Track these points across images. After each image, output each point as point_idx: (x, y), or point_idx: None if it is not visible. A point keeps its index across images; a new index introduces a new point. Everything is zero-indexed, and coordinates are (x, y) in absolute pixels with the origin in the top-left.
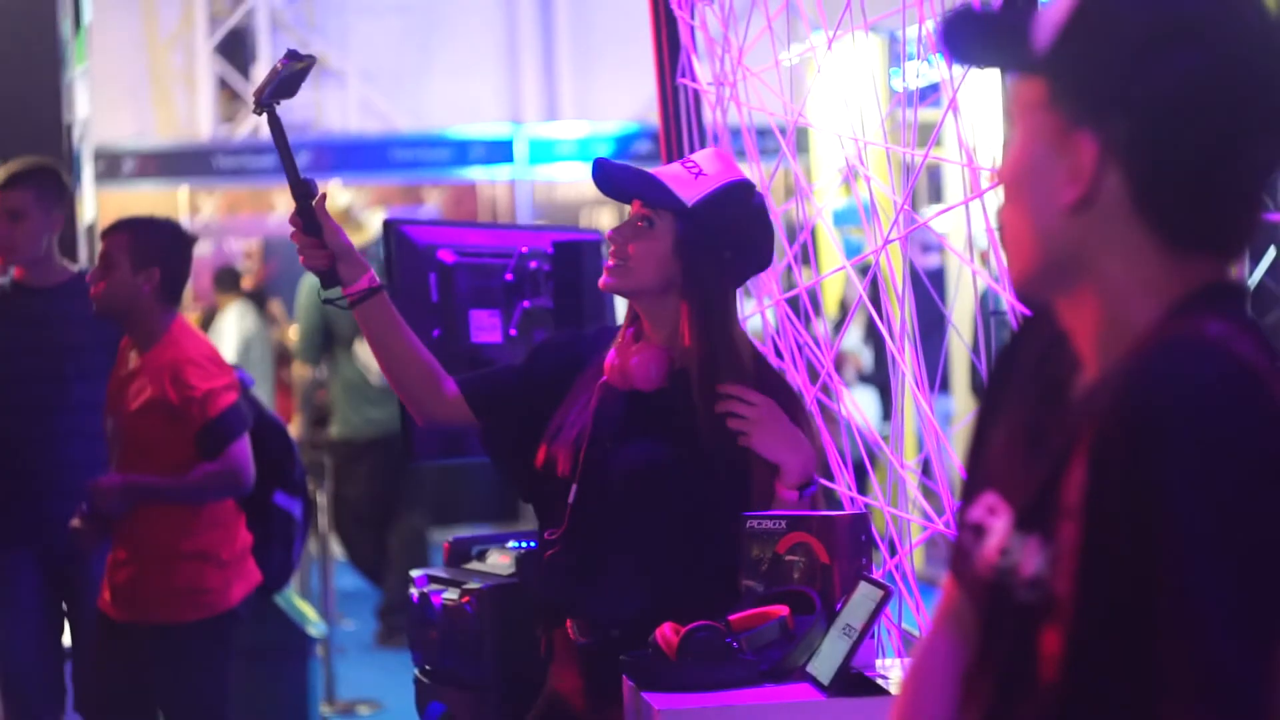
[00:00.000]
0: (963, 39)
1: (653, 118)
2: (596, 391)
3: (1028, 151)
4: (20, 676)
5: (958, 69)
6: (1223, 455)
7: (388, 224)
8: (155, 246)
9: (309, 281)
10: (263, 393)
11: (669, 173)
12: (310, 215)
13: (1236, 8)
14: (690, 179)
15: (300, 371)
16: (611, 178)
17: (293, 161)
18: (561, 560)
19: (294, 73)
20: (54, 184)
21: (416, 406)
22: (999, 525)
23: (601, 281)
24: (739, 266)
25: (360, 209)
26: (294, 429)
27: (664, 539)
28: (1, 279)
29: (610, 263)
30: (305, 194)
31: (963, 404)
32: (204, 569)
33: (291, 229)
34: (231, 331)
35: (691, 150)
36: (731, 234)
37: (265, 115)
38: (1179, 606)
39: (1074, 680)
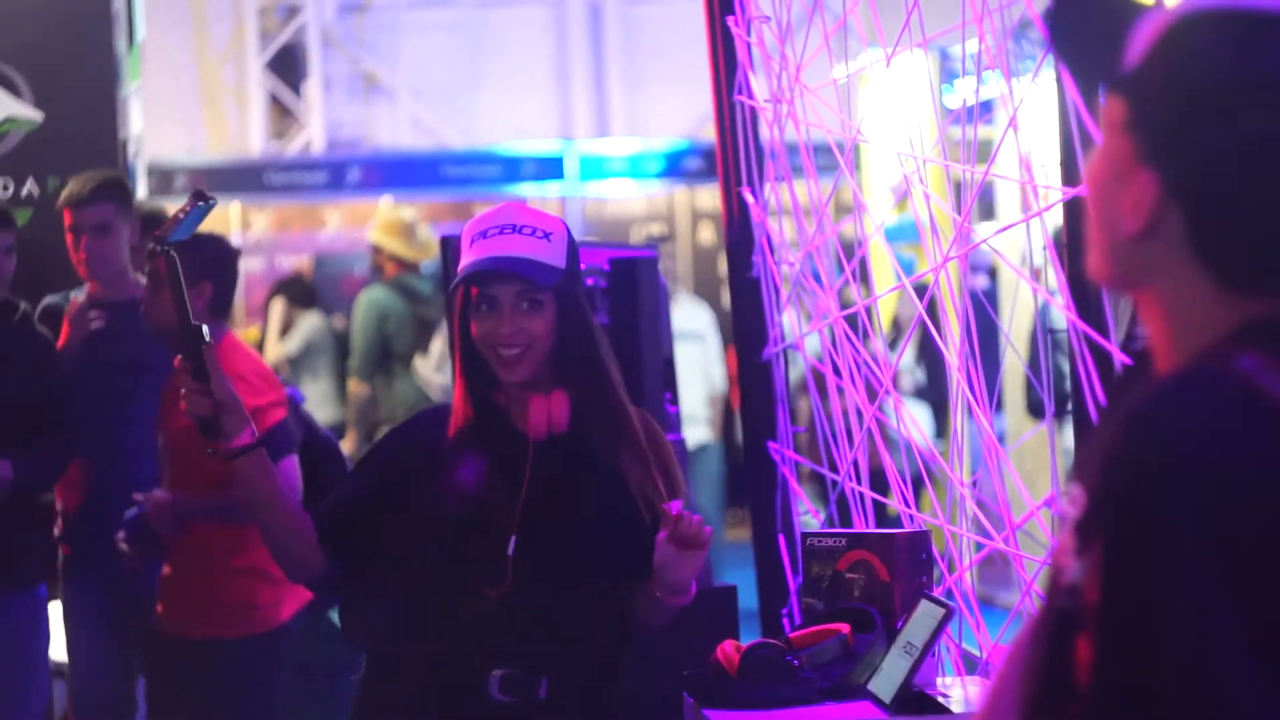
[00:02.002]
0: (1067, 28)
1: (703, 134)
2: (531, 448)
3: (1102, 169)
4: (90, 692)
5: (1016, 85)
6: (1220, 487)
7: (445, 241)
8: (206, 262)
9: (367, 297)
10: (330, 409)
11: (529, 245)
12: (199, 361)
13: None
14: (545, 243)
15: (355, 389)
16: (496, 272)
17: (185, 305)
18: (506, 610)
19: (199, 214)
20: (129, 196)
21: (292, 568)
22: (1072, 519)
23: (512, 376)
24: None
25: (419, 225)
26: (348, 444)
27: (604, 585)
28: (74, 292)
29: (511, 353)
30: (196, 338)
31: (1016, 422)
32: (255, 585)
33: (179, 372)
34: (304, 342)
35: (749, 168)
36: (582, 282)
37: (164, 259)
38: (1180, 643)
39: (1101, 691)
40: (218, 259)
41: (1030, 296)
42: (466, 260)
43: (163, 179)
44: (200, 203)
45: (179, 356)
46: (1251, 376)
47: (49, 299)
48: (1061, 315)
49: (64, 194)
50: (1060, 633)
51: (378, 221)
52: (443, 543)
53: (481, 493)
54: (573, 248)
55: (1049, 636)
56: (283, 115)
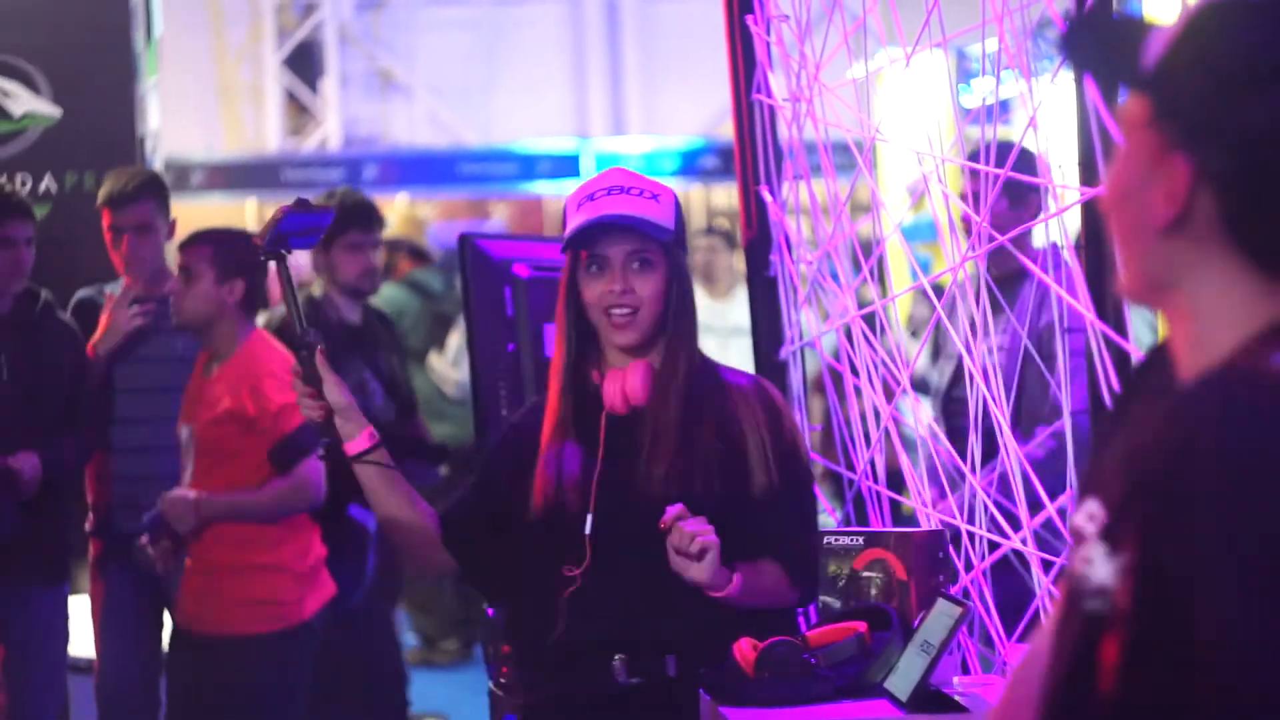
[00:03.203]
0: (1082, 43)
1: (719, 132)
2: (602, 423)
3: (1128, 168)
4: (117, 686)
5: (1036, 85)
6: (1257, 486)
7: (463, 238)
8: (240, 259)
9: (380, 297)
10: None
11: (639, 205)
12: (311, 367)
13: None
14: (654, 203)
15: None
16: (605, 228)
17: (299, 312)
18: (590, 596)
19: (297, 219)
20: (167, 193)
21: (419, 562)
22: (1092, 532)
23: (622, 340)
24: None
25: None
26: None
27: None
28: (108, 286)
29: (623, 313)
30: (307, 345)
31: None
32: (278, 581)
33: (292, 377)
34: None
35: (767, 166)
36: (686, 244)
37: (275, 263)
38: (1217, 643)
39: (1127, 694)
40: (250, 255)
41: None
42: (573, 224)
43: (180, 175)
44: (297, 211)
45: (293, 363)
46: None
47: (83, 292)
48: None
49: (102, 193)
50: (1087, 635)
51: (395, 217)
52: (534, 530)
53: (565, 474)
54: (679, 212)
55: (1074, 638)
56: (299, 112)
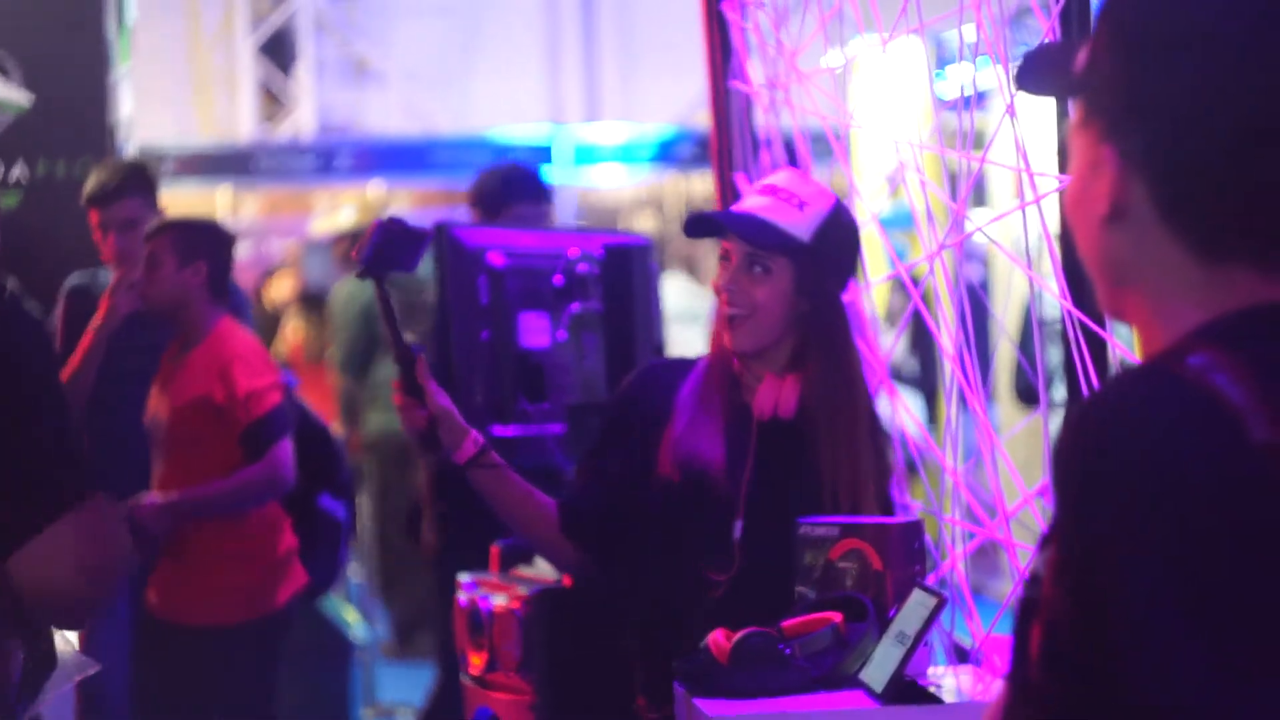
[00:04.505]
0: (1027, 71)
1: (695, 120)
2: (753, 431)
3: (1076, 173)
4: (102, 683)
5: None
6: (1158, 487)
7: (438, 227)
8: (200, 242)
9: (346, 290)
10: None
11: (772, 209)
12: (412, 378)
13: (1246, 11)
14: (795, 210)
15: (340, 383)
16: (716, 226)
17: (397, 325)
18: (732, 596)
19: (385, 235)
20: (153, 185)
21: (548, 557)
22: None
23: (733, 342)
24: (845, 289)
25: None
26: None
27: None
28: (100, 272)
29: (733, 314)
30: (408, 358)
31: (1008, 412)
32: (250, 570)
33: (395, 389)
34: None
35: (744, 154)
36: (842, 262)
37: (374, 282)
38: (1114, 629)
39: (1046, 682)
40: (213, 240)
41: (1024, 285)
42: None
43: (152, 163)
44: (392, 228)
45: (396, 376)
46: (1201, 374)
47: (75, 279)
48: (1060, 303)
49: (87, 190)
50: (1023, 622)
51: (361, 205)
52: (667, 513)
53: (707, 466)
54: (832, 225)
55: (1018, 629)
56: (273, 100)
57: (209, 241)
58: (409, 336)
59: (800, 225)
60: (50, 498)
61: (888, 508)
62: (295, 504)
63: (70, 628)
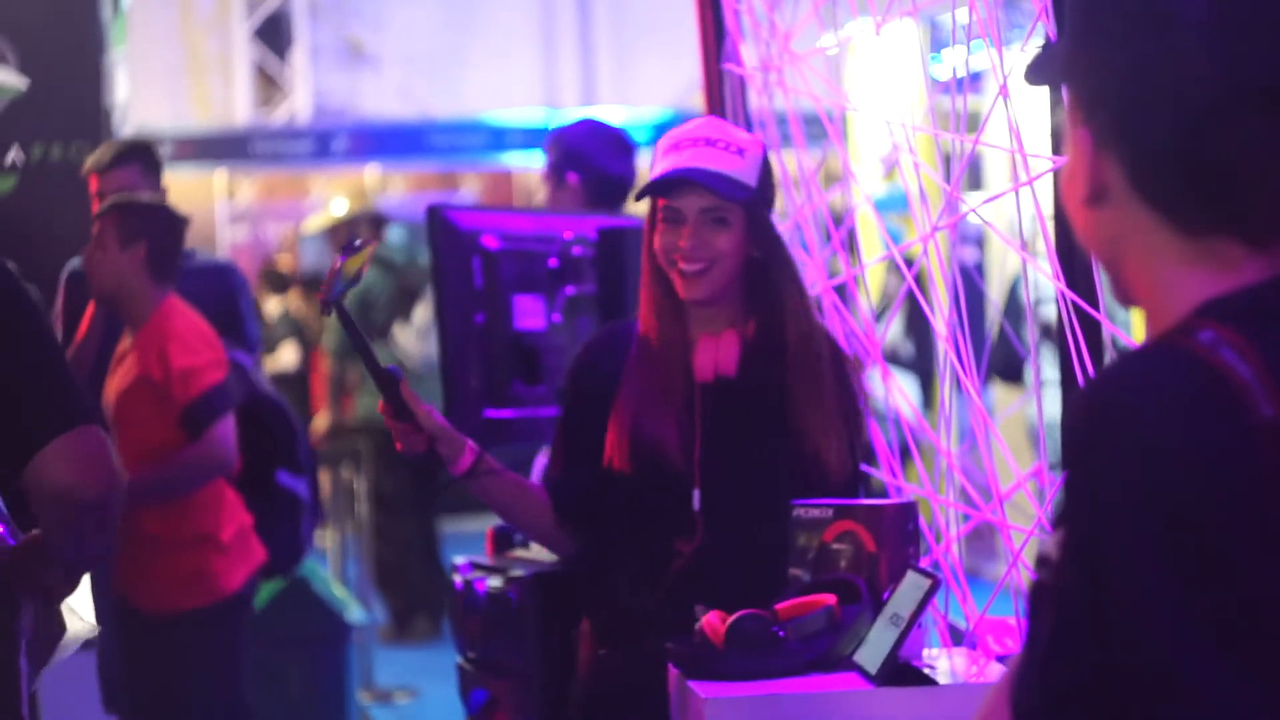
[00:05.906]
0: (1031, 66)
1: (690, 103)
2: (697, 394)
3: (1067, 160)
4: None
5: (1007, 54)
6: (1166, 463)
7: (432, 210)
8: (140, 223)
9: None
10: None
11: (720, 159)
12: (399, 402)
13: None
14: (738, 158)
15: (328, 366)
16: (677, 184)
17: (372, 354)
18: (704, 562)
19: (354, 261)
20: (155, 161)
21: (562, 551)
22: None
23: (691, 293)
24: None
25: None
26: (322, 421)
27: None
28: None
29: (693, 268)
30: (390, 383)
31: (1003, 394)
32: (204, 553)
33: (384, 415)
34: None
35: None
36: (773, 204)
37: (336, 313)
38: (1123, 608)
39: (1055, 664)
40: (154, 221)
41: (1018, 267)
42: (656, 171)
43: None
44: (350, 253)
45: (380, 403)
46: (1210, 350)
47: (75, 264)
48: (1055, 285)
49: (88, 161)
50: (1035, 605)
51: (353, 191)
52: (627, 492)
53: (657, 437)
54: (767, 169)
55: (1030, 608)
56: (268, 84)
57: (150, 223)
58: (384, 358)
59: (746, 172)
60: (40, 423)
61: (860, 429)
62: (253, 481)
63: (76, 561)
